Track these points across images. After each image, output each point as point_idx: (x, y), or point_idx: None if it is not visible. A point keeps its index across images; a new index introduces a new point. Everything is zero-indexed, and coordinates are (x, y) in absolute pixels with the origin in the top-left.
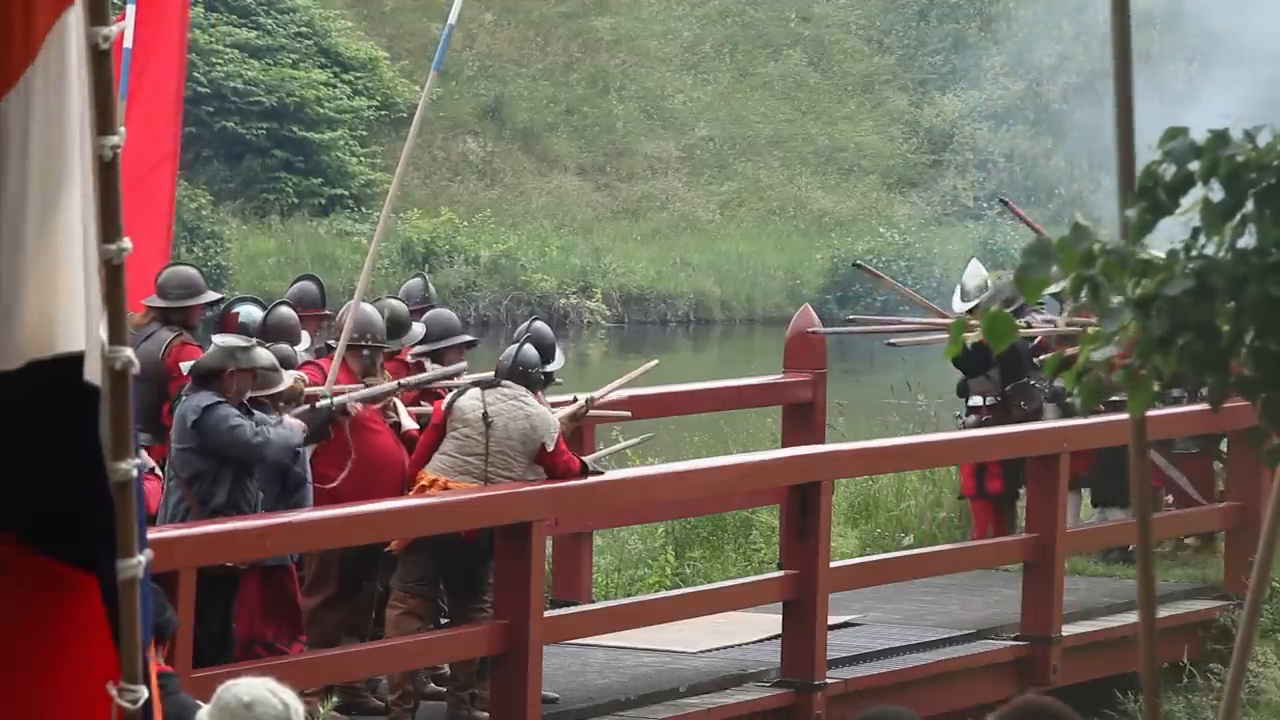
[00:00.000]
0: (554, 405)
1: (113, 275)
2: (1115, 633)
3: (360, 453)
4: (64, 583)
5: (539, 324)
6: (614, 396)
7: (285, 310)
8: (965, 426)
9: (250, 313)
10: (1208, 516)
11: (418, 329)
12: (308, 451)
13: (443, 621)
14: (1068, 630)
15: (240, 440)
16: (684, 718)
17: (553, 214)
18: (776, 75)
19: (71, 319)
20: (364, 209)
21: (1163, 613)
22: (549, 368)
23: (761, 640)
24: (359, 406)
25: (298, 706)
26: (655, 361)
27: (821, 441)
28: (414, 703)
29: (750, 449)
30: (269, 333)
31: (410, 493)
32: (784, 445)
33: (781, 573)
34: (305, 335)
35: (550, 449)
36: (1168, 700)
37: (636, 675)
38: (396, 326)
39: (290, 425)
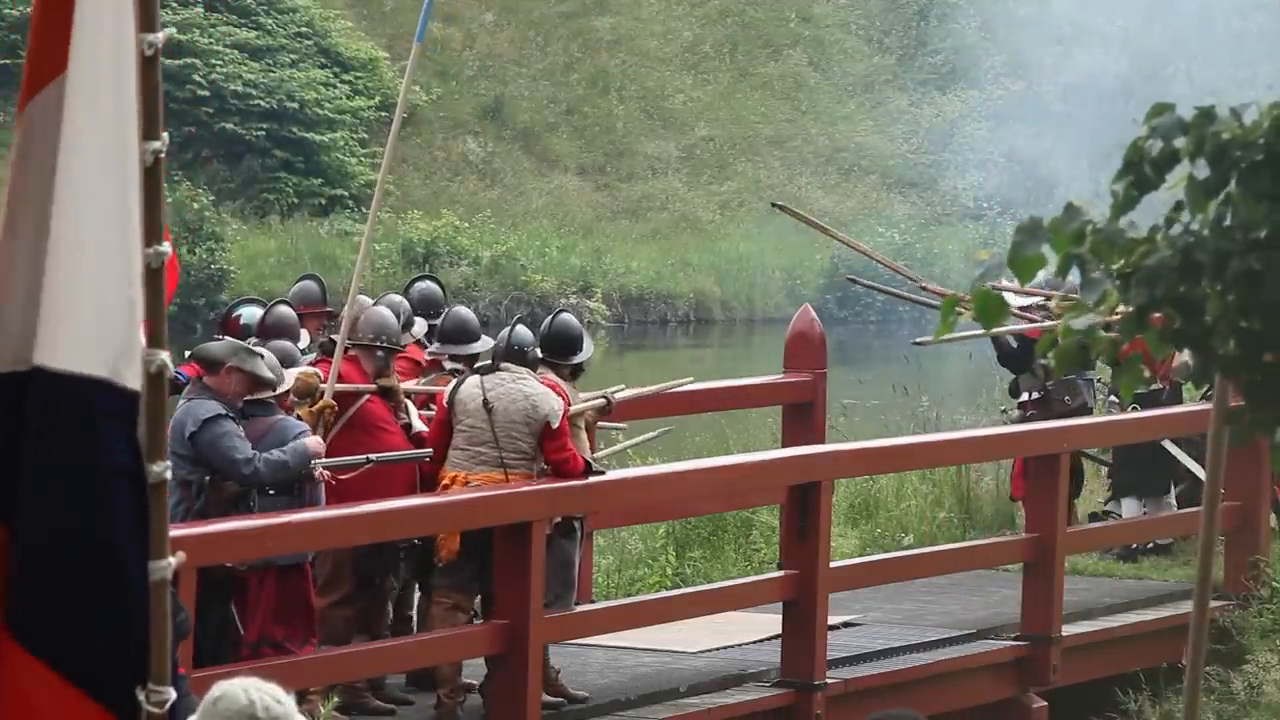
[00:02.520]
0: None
1: (151, 279)
2: (1115, 633)
3: (371, 453)
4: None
5: (564, 315)
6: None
7: (283, 309)
8: (1009, 422)
9: (253, 313)
10: None
11: (421, 324)
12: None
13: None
14: (1068, 630)
15: (231, 461)
16: (684, 718)
17: (553, 214)
18: (776, 75)
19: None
20: (364, 209)
21: (1163, 613)
22: (576, 358)
23: (761, 640)
24: (327, 474)
25: (267, 703)
26: (691, 379)
27: (821, 441)
28: (464, 695)
29: (750, 449)
30: (267, 331)
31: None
32: (784, 445)
33: (781, 573)
34: (305, 334)
35: (555, 426)
36: (1167, 700)
37: (636, 675)
38: (405, 322)
39: (297, 449)
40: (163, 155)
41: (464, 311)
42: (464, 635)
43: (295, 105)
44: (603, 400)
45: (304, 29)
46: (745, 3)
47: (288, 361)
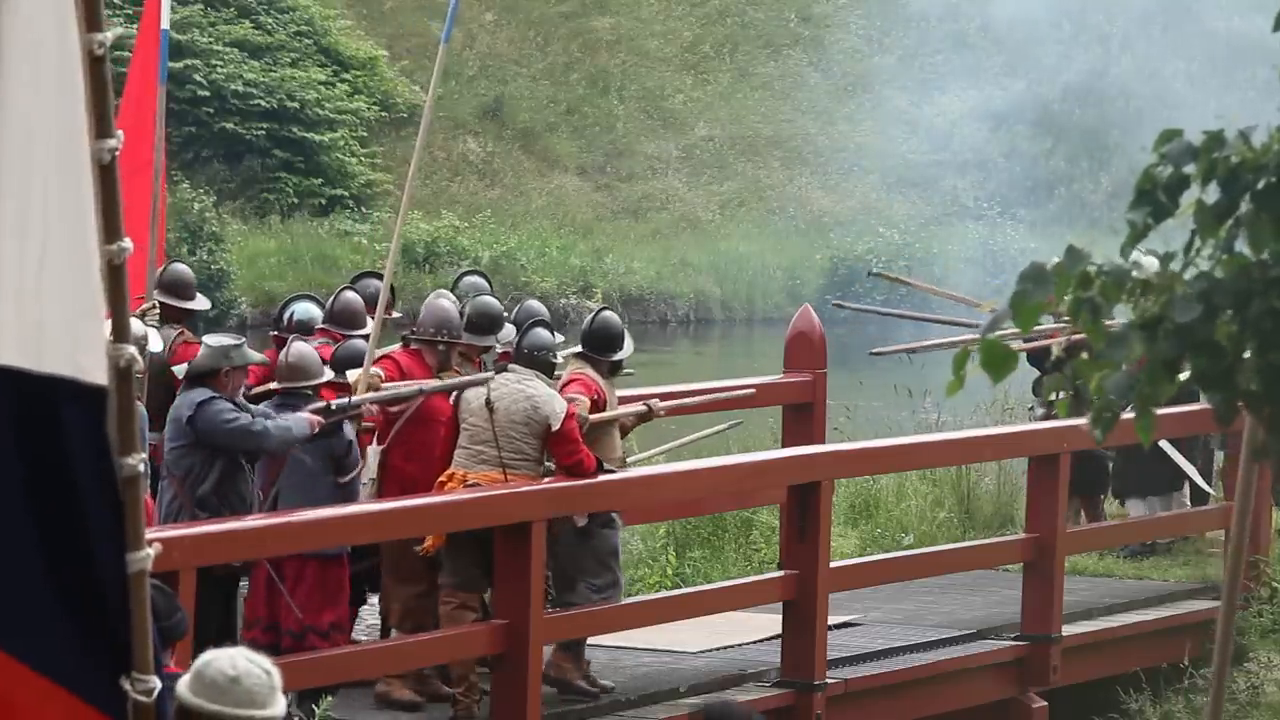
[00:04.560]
0: (620, 401)
1: (113, 275)
2: (1115, 632)
3: (425, 445)
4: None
5: (606, 312)
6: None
7: (350, 295)
8: (1033, 419)
9: (305, 309)
10: (1207, 516)
11: (509, 329)
12: (354, 438)
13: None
14: (1068, 630)
15: (239, 430)
16: (684, 718)
17: (553, 214)
18: (776, 75)
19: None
20: (364, 209)
21: (1163, 613)
22: (617, 355)
23: (761, 640)
24: (373, 409)
25: (277, 673)
26: (752, 389)
27: (821, 441)
28: (479, 694)
29: (750, 449)
30: (335, 318)
31: (433, 491)
32: (784, 445)
33: (781, 573)
34: (370, 321)
35: (555, 429)
36: (1167, 700)
37: (636, 675)
38: (490, 323)
39: (298, 419)
40: (117, 153)
41: (534, 305)
42: (464, 635)
43: (295, 105)
44: (644, 407)
45: (304, 28)
46: (745, 3)
47: (354, 362)
